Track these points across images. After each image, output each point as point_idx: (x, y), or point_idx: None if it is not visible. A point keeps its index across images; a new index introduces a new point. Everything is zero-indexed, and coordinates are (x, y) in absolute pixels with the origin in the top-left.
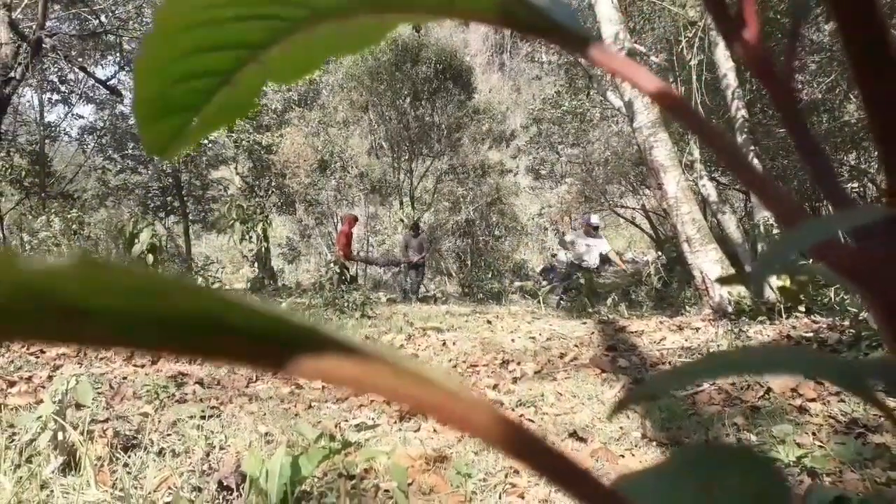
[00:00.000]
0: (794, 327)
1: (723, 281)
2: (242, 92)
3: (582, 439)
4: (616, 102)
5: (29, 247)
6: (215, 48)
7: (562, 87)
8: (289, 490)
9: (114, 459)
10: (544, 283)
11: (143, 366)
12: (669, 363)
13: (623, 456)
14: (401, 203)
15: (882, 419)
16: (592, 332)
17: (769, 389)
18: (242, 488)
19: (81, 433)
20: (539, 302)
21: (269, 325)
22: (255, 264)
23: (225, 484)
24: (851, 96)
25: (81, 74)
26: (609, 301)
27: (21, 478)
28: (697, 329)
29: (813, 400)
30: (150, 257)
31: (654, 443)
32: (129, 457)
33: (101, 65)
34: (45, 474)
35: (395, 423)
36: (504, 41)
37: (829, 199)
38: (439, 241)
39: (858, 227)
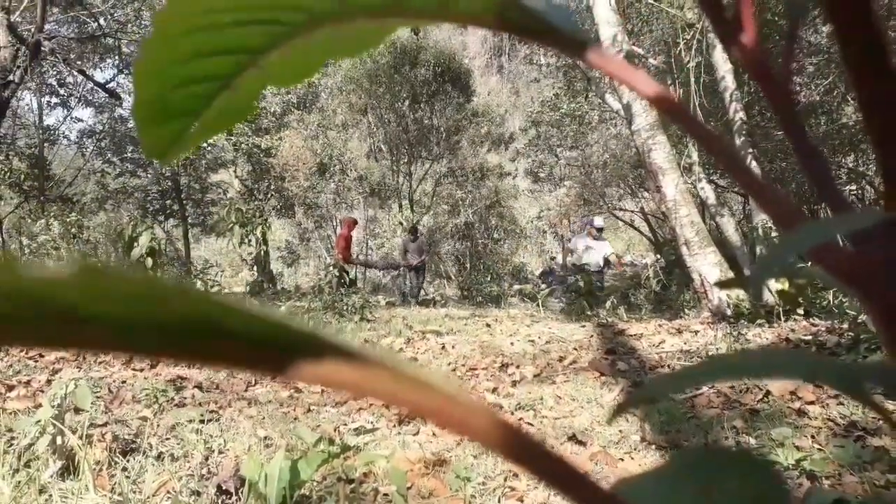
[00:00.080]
0: (792, 330)
1: (722, 284)
2: (242, 96)
3: (581, 443)
4: (614, 105)
5: (28, 250)
6: (215, 53)
7: (560, 90)
8: (288, 494)
9: (112, 464)
10: (543, 286)
11: (142, 370)
12: (668, 366)
13: (622, 459)
14: (400, 206)
15: (881, 422)
16: (591, 336)
17: (768, 392)
18: (241, 492)
19: (80, 437)
20: (538, 305)
21: (269, 329)
22: (255, 268)
23: (224, 488)
24: (849, 98)
25: (80, 78)
26: (608, 304)
27: (19, 482)
28: (696, 332)
29: (812, 403)
30: (150, 261)
31: (654, 446)
32: (127, 461)
33: (100, 68)
34: (43, 479)
35: (394, 426)
36: (502, 44)
37: (827, 201)
38: (438, 245)
39: (857, 230)
